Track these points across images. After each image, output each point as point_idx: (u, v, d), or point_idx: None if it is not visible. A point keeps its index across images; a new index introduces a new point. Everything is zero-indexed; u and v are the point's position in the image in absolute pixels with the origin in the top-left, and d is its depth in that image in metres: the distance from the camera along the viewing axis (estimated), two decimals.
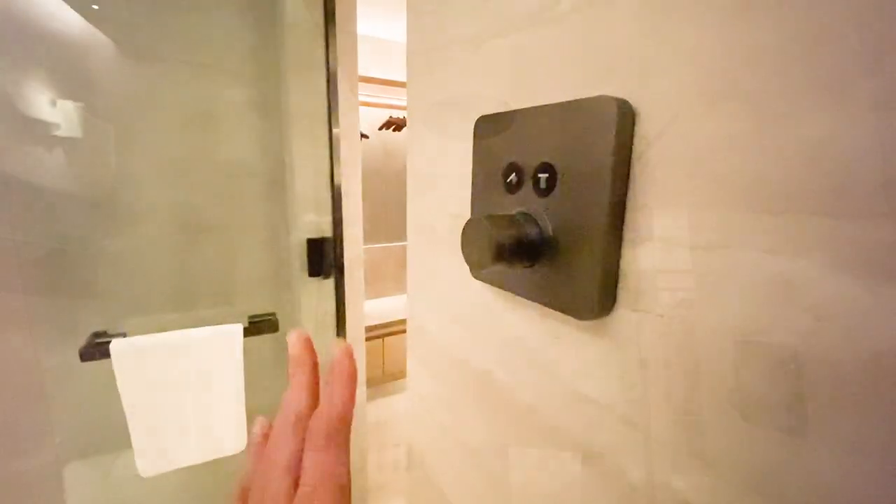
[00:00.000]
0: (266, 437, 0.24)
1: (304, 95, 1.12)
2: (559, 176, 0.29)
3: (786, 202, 0.20)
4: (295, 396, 0.23)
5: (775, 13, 0.19)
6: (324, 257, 1.18)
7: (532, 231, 0.30)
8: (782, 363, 0.21)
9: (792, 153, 0.20)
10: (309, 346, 0.24)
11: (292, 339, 0.24)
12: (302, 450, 0.21)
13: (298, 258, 1.17)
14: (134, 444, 0.96)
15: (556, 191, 0.29)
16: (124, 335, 0.97)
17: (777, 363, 0.21)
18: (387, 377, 2.63)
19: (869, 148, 0.17)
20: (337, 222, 1.17)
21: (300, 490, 0.19)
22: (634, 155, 0.26)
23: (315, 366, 0.23)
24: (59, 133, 0.96)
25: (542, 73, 0.31)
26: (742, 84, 0.21)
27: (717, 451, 0.24)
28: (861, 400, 0.18)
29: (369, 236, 2.51)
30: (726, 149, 0.22)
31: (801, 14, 0.19)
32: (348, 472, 0.20)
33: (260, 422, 0.25)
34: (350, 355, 0.23)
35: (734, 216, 0.22)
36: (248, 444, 0.23)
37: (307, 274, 1.17)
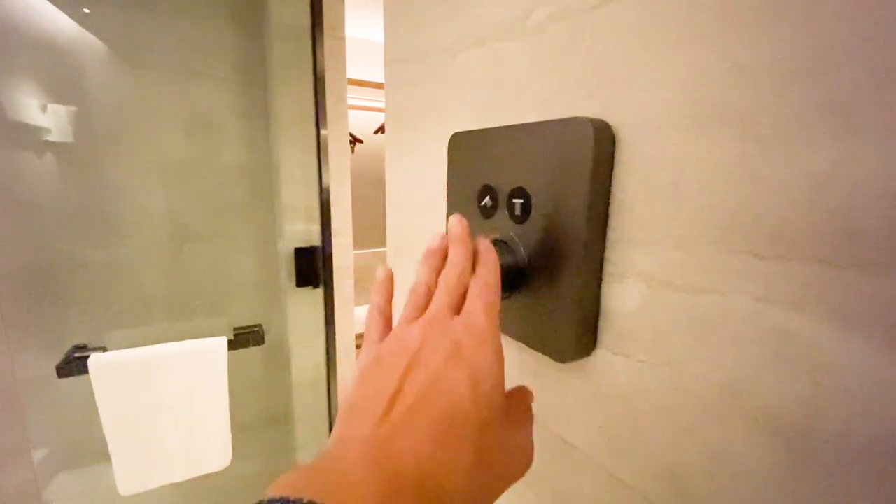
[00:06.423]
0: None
1: (292, 101, 1.10)
2: (534, 202, 0.26)
3: (781, 245, 0.17)
4: (459, 259, 0.22)
5: (772, 29, 0.17)
6: (312, 267, 1.15)
7: (508, 260, 0.28)
8: (776, 430, 0.18)
9: (788, 187, 0.17)
10: (468, 230, 0.23)
11: (454, 221, 0.23)
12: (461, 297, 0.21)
13: (286, 268, 1.14)
14: (113, 462, 0.93)
15: (531, 218, 0.26)
16: (104, 349, 0.94)
17: (769, 428, 0.18)
18: None
19: (883, 184, 0.15)
20: (326, 230, 1.14)
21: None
22: (615, 182, 0.23)
23: (472, 251, 0.23)
24: (50, 138, 0.94)
25: (517, 88, 0.29)
26: (733, 106, 0.18)
27: None
28: (869, 488, 0.16)
29: (360, 241, 2.48)
30: (714, 180, 0.19)
31: (803, 29, 0.16)
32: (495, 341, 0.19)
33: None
34: (492, 248, 0.23)
35: (723, 258, 0.19)
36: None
37: (295, 284, 1.14)
